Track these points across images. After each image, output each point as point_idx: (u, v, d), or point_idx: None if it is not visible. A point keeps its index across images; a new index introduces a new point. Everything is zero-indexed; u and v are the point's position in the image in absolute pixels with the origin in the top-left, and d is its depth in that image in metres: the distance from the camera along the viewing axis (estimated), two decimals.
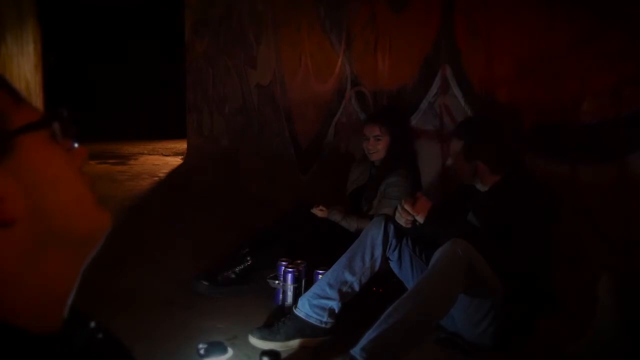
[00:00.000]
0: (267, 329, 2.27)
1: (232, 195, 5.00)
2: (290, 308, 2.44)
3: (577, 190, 2.20)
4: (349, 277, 2.28)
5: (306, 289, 2.58)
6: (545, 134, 2.34)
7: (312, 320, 2.26)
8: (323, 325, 2.26)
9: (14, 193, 0.44)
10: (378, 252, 2.29)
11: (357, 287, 2.29)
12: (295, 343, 2.25)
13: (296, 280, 2.56)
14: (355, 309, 2.35)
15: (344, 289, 2.27)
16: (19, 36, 7.40)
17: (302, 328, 2.25)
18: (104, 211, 0.51)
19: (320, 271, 2.54)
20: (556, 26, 2.25)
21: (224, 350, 2.12)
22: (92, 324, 0.52)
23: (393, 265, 2.35)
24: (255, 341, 2.25)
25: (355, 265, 2.28)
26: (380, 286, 2.76)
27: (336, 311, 2.27)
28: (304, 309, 2.28)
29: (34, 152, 0.46)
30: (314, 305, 2.27)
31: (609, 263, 2.10)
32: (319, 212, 2.96)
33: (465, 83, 2.74)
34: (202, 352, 2.08)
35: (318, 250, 2.91)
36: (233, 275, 2.80)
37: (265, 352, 2.06)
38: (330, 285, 2.28)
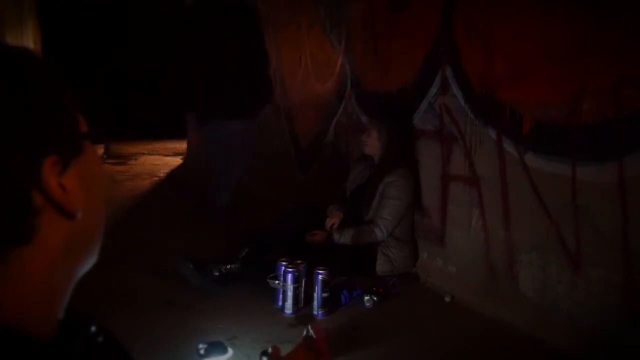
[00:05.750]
0: None
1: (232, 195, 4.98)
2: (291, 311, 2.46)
3: (577, 190, 2.20)
4: None
5: (306, 289, 2.58)
6: (545, 134, 2.34)
7: None
8: None
9: (79, 188, 0.49)
10: None
11: None
12: None
13: (296, 280, 2.55)
14: (356, 309, 2.34)
15: None
16: (19, 36, 7.39)
17: None
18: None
19: (321, 271, 2.53)
20: (556, 26, 2.24)
21: (224, 350, 2.12)
22: (93, 328, 0.52)
23: None
24: None
25: None
26: (381, 286, 2.76)
27: None
28: None
29: (92, 156, 0.52)
30: None
31: (609, 262, 2.10)
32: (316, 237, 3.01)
33: (465, 83, 2.73)
34: (202, 352, 2.08)
35: (318, 250, 2.92)
36: (217, 273, 2.78)
37: (265, 352, 2.06)
38: None
